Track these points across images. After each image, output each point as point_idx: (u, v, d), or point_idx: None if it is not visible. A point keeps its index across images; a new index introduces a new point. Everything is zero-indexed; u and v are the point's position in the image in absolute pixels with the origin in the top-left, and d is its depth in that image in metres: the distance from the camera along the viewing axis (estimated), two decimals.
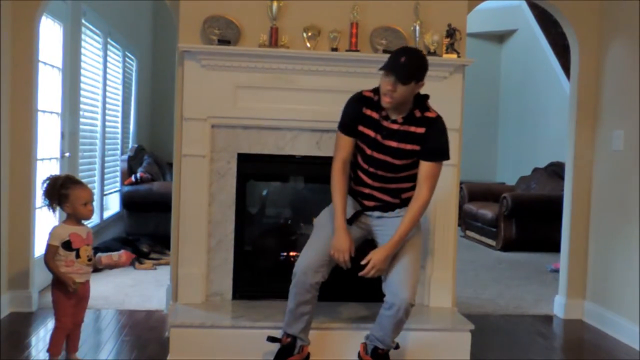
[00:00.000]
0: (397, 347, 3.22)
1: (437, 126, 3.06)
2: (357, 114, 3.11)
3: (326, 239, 3.13)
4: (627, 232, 4.15)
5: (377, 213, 3.18)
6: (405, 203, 3.14)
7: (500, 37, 10.42)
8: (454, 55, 3.73)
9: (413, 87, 2.97)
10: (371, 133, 3.07)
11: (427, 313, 3.74)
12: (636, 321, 4.00)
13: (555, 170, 7.80)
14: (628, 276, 4.11)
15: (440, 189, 3.76)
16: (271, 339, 3.23)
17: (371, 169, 3.10)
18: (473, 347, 3.50)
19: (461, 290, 4.78)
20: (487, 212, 7.80)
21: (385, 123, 3.05)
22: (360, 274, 3.03)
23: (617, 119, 4.32)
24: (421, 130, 3.02)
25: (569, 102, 4.71)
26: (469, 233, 8.33)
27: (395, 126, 3.04)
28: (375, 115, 3.07)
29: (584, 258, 4.58)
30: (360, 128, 3.10)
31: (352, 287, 3.57)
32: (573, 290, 4.60)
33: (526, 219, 7.39)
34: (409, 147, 3.03)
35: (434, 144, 3.05)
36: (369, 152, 3.08)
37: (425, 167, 3.05)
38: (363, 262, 3.02)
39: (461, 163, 3.89)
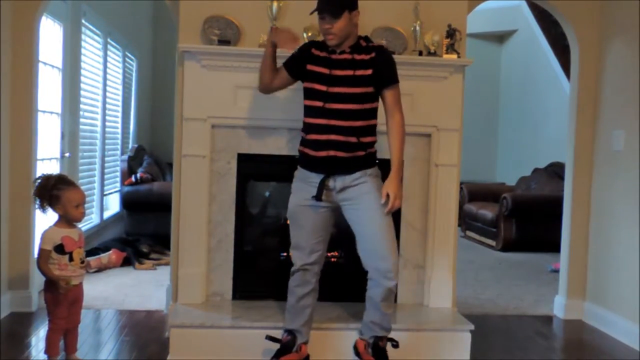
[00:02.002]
0: (396, 345, 3.22)
1: (385, 52, 3.19)
2: (306, 51, 3.20)
3: (306, 228, 3.14)
4: (627, 232, 4.15)
5: (338, 183, 3.09)
6: (363, 160, 3.09)
7: (500, 37, 10.42)
8: (454, 56, 3.73)
9: (349, 18, 3.04)
10: (324, 70, 3.12)
11: (427, 313, 3.75)
12: (636, 321, 4.00)
13: (555, 171, 7.80)
14: (628, 276, 4.11)
15: (441, 188, 3.78)
16: (270, 338, 3.23)
17: (328, 105, 3.07)
18: (473, 347, 3.51)
19: (461, 290, 4.78)
20: (487, 212, 7.80)
21: (335, 56, 3.12)
22: (387, 210, 3.04)
23: (617, 119, 4.32)
24: (371, 55, 3.10)
25: (569, 102, 4.70)
26: (469, 233, 8.33)
27: (345, 56, 3.11)
28: (324, 53, 3.15)
29: (584, 258, 4.58)
30: (310, 67, 3.15)
31: (351, 287, 3.57)
32: (573, 291, 4.60)
33: (526, 219, 7.39)
34: (361, 72, 3.07)
35: (388, 68, 3.12)
36: (324, 88, 3.09)
37: (389, 95, 3.12)
38: (383, 201, 3.04)
39: (461, 163, 3.89)
